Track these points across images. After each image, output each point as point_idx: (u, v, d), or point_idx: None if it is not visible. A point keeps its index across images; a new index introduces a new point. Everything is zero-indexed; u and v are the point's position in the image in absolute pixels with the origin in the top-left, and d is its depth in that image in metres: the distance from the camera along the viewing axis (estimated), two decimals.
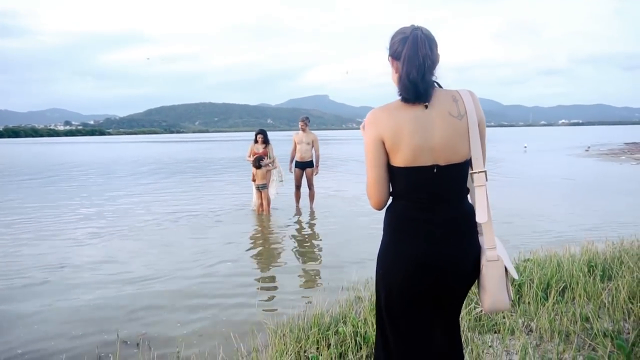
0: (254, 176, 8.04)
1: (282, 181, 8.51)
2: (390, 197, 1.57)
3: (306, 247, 6.10)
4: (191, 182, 13.84)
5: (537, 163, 19.74)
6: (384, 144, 1.49)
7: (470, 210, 1.53)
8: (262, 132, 8.22)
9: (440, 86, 1.53)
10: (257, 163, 7.92)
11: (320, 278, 4.70)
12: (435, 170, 1.46)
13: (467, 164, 1.50)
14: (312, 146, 8.29)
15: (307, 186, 8.48)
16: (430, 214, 1.49)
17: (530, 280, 3.44)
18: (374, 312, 2.04)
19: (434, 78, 1.51)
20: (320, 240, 6.40)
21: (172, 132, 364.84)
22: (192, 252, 5.69)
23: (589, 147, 30.30)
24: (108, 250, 5.89)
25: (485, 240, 1.51)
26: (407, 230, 1.51)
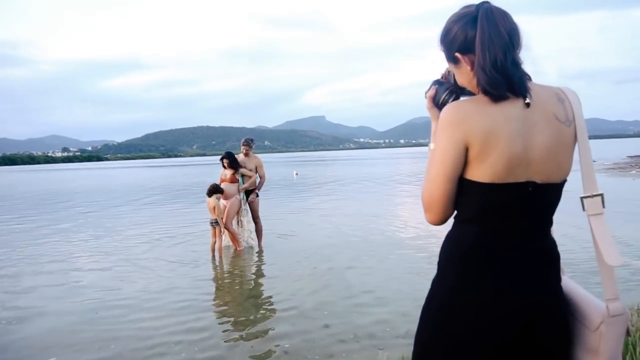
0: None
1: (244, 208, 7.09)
2: (454, 219, 1.25)
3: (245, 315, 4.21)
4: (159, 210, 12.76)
5: None
6: (467, 150, 1.14)
7: (555, 245, 1.26)
8: (227, 156, 6.98)
9: (529, 78, 1.19)
10: (211, 190, 6.49)
11: None
12: (530, 189, 1.15)
13: (563, 185, 1.23)
14: (256, 172, 7.12)
15: (251, 219, 7.11)
16: (514, 245, 1.18)
17: None
18: None
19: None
20: (272, 304, 4.57)
21: (169, 157, 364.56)
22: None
23: (594, 161, 29.16)
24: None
25: (606, 288, 1.18)
26: (484, 264, 1.19)
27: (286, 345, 3.51)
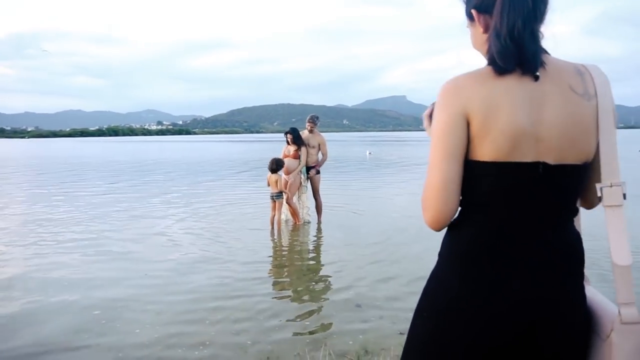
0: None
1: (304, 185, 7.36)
2: (458, 209, 1.07)
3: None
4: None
5: None
6: (468, 124, 1.00)
7: (577, 240, 1.07)
8: (291, 131, 7.16)
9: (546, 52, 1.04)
10: (273, 166, 6.88)
11: None
12: (540, 170, 1.00)
13: (587, 168, 1.04)
14: (319, 150, 7.28)
15: (312, 196, 7.35)
16: (525, 239, 1.02)
17: None
18: None
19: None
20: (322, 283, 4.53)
21: (252, 132, 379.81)
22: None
23: None
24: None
25: (619, 291, 0.99)
26: (485, 257, 1.03)
27: (313, 326, 3.64)
